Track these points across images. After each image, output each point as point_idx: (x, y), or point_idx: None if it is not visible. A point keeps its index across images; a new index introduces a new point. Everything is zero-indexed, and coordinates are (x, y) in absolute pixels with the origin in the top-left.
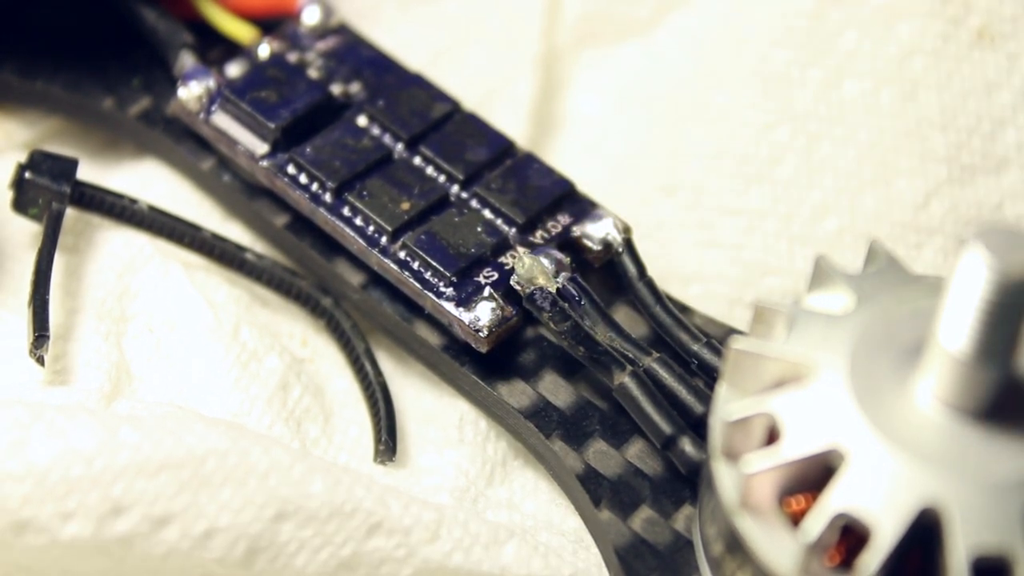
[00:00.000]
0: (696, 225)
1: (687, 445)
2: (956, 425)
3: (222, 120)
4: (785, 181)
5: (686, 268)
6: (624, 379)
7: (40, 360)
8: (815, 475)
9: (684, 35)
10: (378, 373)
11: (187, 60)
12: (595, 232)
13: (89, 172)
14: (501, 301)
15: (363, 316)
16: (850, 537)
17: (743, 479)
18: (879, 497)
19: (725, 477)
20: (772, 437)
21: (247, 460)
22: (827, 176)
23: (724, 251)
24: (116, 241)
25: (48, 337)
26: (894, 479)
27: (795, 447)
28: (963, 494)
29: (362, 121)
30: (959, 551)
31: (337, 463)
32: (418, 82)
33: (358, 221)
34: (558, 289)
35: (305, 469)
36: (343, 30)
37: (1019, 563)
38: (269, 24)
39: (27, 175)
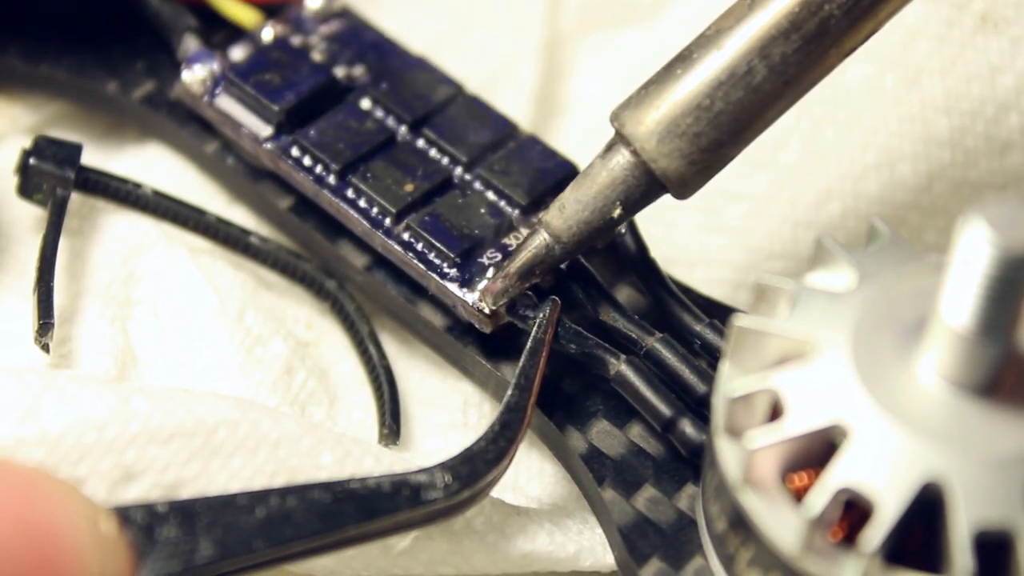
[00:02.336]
0: (700, 210)
1: (687, 427)
2: (958, 401)
3: (226, 103)
4: (789, 166)
5: (690, 252)
6: (620, 367)
7: (45, 348)
8: (818, 451)
9: (687, 19)
10: (382, 356)
11: (191, 43)
12: None
13: (93, 156)
14: None
15: (367, 298)
16: (853, 513)
17: (746, 455)
18: (882, 472)
19: (728, 454)
20: (775, 414)
21: (258, 430)
22: (831, 160)
23: (728, 236)
24: (121, 225)
25: (53, 325)
26: (896, 454)
27: (798, 423)
28: (965, 469)
29: (366, 104)
30: (961, 526)
31: (347, 435)
32: (421, 65)
33: (362, 203)
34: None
35: (315, 440)
36: (346, 13)
37: (1021, 538)
38: (272, 8)
39: (31, 161)
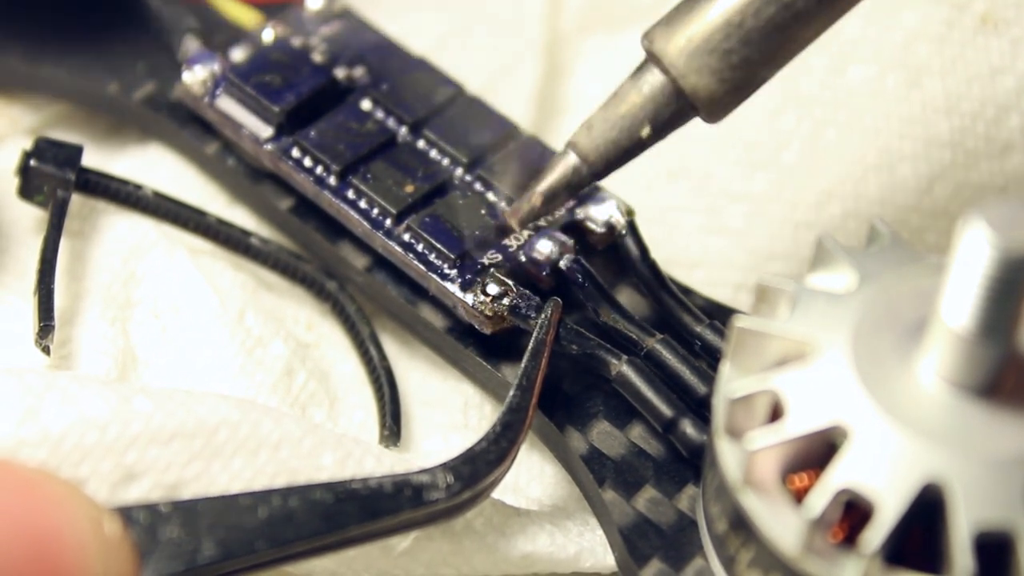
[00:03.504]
0: (701, 210)
1: (688, 427)
2: (958, 402)
3: (227, 104)
4: (790, 166)
5: (691, 253)
6: (621, 367)
7: (46, 350)
8: (818, 452)
9: None
10: (383, 357)
11: (191, 44)
12: (598, 214)
13: (94, 156)
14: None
15: (368, 299)
16: (853, 514)
17: (747, 456)
18: (882, 473)
19: (729, 455)
20: (775, 415)
21: (259, 431)
22: (832, 162)
23: (729, 236)
24: (121, 226)
25: (53, 327)
26: (897, 455)
27: (798, 424)
28: (966, 470)
29: (366, 105)
30: (962, 527)
31: (347, 436)
32: (422, 66)
33: (362, 204)
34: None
35: (316, 442)
36: (347, 15)
37: (1021, 539)
38: (273, 9)
39: (32, 163)
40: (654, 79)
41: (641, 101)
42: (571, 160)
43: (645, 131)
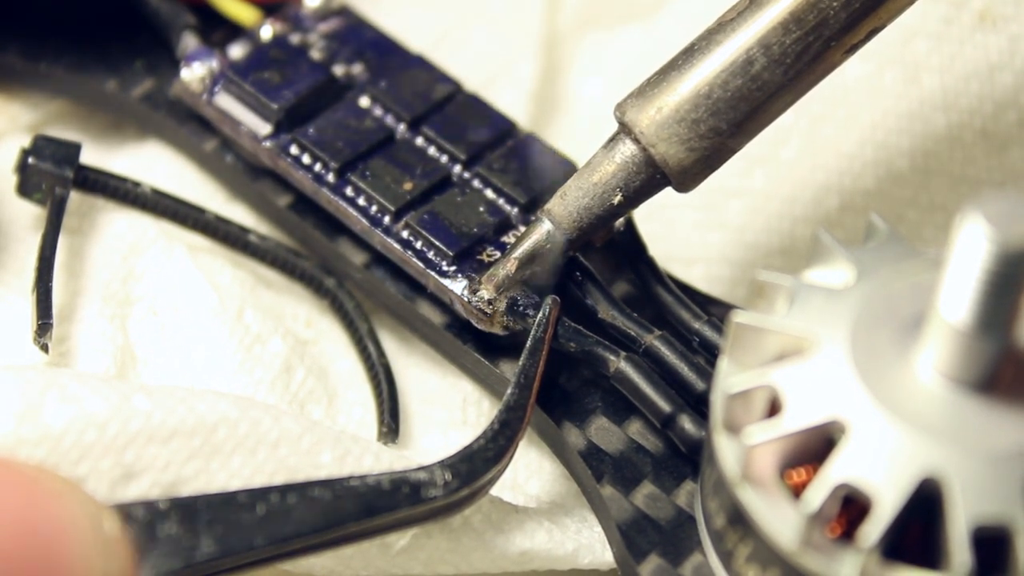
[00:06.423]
0: (699, 207)
1: (687, 423)
2: (956, 396)
3: (225, 101)
4: (788, 162)
5: (689, 249)
6: (619, 364)
7: (44, 347)
8: (816, 447)
9: (686, 17)
10: (381, 354)
11: (190, 42)
12: None
13: (93, 154)
14: None
15: (366, 296)
16: (851, 508)
17: (745, 451)
18: (880, 468)
19: (727, 450)
20: (774, 410)
21: (257, 430)
22: (830, 157)
23: (727, 232)
24: (120, 223)
25: (51, 325)
26: (895, 450)
27: (796, 419)
28: (964, 465)
29: (364, 102)
30: (960, 521)
31: (346, 433)
32: (420, 63)
33: (361, 201)
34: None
35: (315, 439)
36: (345, 12)
37: (1019, 533)
38: (271, 6)
39: (30, 160)
40: (625, 148)
41: (613, 169)
42: (545, 227)
43: (617, 199)
